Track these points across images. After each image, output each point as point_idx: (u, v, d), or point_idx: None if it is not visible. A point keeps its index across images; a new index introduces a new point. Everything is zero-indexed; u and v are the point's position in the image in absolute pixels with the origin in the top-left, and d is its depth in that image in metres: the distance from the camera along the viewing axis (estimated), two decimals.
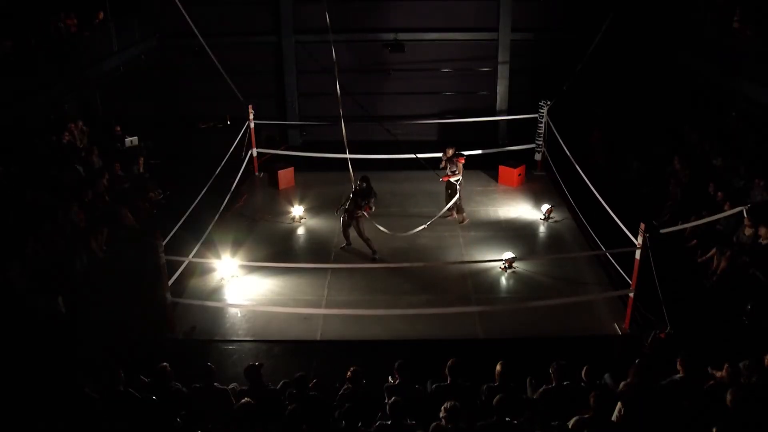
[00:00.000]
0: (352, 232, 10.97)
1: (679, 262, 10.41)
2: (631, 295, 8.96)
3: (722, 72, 12.94)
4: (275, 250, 11.33)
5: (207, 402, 6.18)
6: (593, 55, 12.84)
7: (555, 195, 13.33)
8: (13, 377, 7.16)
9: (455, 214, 12.31)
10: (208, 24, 13.82)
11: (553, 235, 12.04)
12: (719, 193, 10.95)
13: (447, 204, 12.14)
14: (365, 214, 10.74)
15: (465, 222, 12.28)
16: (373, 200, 10.86)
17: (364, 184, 10.83)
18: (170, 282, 9.07)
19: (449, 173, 11.94)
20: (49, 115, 13.24)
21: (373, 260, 10.79)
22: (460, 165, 11.92)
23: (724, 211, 9.96)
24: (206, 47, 12.19)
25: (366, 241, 10.85)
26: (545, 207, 12.46)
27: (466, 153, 13.69)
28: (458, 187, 11.92)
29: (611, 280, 10.16)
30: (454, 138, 15.37)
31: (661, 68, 15.46)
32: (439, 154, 12.25)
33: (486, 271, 10.66)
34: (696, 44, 13.95)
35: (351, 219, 10.80)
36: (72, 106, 13.95)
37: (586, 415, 5.42)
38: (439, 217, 11.87)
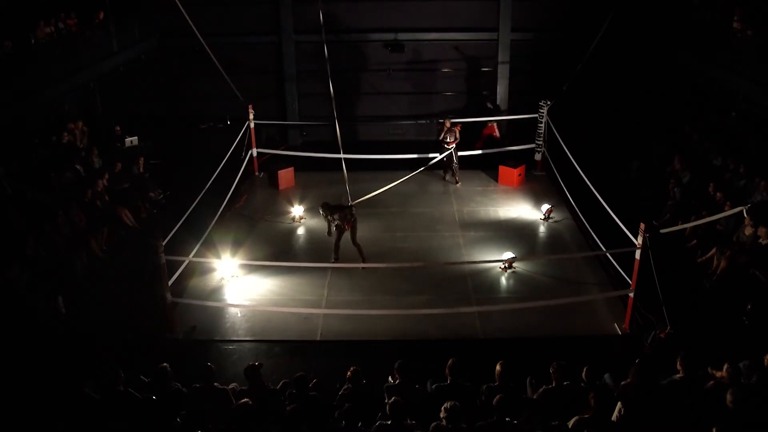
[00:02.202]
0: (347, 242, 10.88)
1: (679, 262, 10.41)
2: (631, 295, 8.96)
3: (722, 72, 12.93)
4: (275, 250, 11.33)
5: (207, 402, 6.18)
6: (593, 55, 12.83)
7: (555, 195, 13.33)
8: (13, 377, 7.15)
9: (457, 178, 14.13)
10: (208, 24, 13.82)
11: (553, 235, 12.04)
12: (719, 193, 10.95)
13: (446, 171, 14.18)
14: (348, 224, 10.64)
15: (459, 184, 14.12)
16: (347, 211, 10.67)
17: (328, 211, 10.69)
18: (170, 282, 9.08)
19: (450, 141, 13.79)
20: (49, 115, 13.24)
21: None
22: (458, 132, 13.86)
23: (724, 211, 9.96)
24: (206, 47, 12.20)
25: (357, 246, 10.72)
26: (545, 207, 12.46)
27: (466, 153, 14.42)
28: (454, 152, 13.90)
29: (611, 280, 10.17)
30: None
31: (661, 68, 15.45)
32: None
33: (486, 271, 10.66)
34: (696, 44, 13.95)
35: (342, 233, 10.71)
36: (72, 106, 13.93)
37: (586, 415, 5.42)
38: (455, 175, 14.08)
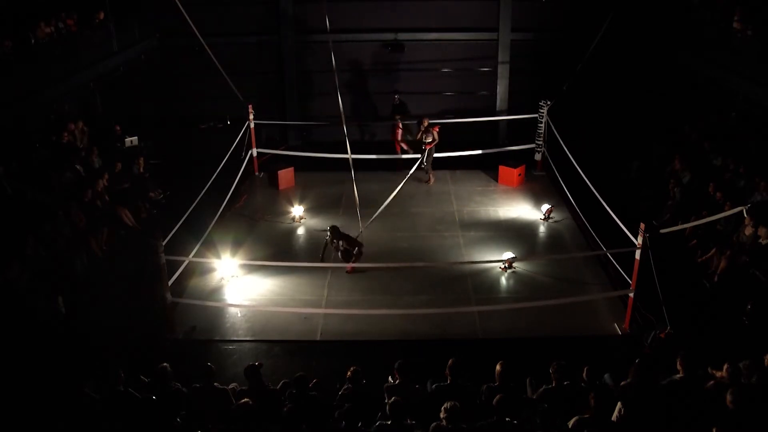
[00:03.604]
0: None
1: (679, 262, 10.41)
2: (631, 295, 8.96)
3: (722, 72, 12.93)
4: (275, 250, 11.33)
5: (207, 402, 6.19)
6: (593, 55, 12.84)
7: (555, 195, 13.33)
8: (13, 377, 7.16)
9: (431, 177, 14.14)
10: (208, 24, 13.81)
11: (553, 235, 12.04)
12: (719, 193, 10.95)
13: (424, 167, 13.95)
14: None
15: (432, 182, 14.12)
16: (358, 247, 10.55)
17: (336, 236, 10.57)
18: (170, 282, 9.08)
19: (427, 142, 13.73)
20: (49, 115, 13.24)
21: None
22: (436, 133, 13.78)
23: (724, 211, 9.96)
24: (206, 47, 12.20)
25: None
26: (545, 207, 12.47)
27: (465, 153, 14.48)
28: (432, 150, 13.86)
29: (611, 280, 10.17)
30: (454, 138, 15.43)
31: (661, 68, 15.46)
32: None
33: (486, 271, 10.65)
34: (696, 44, 13.95)
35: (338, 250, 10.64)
36: (72, 106, 13.93)
37: (586, 415, 5.42)
38: (428, 173, 13.98)
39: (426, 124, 13.79)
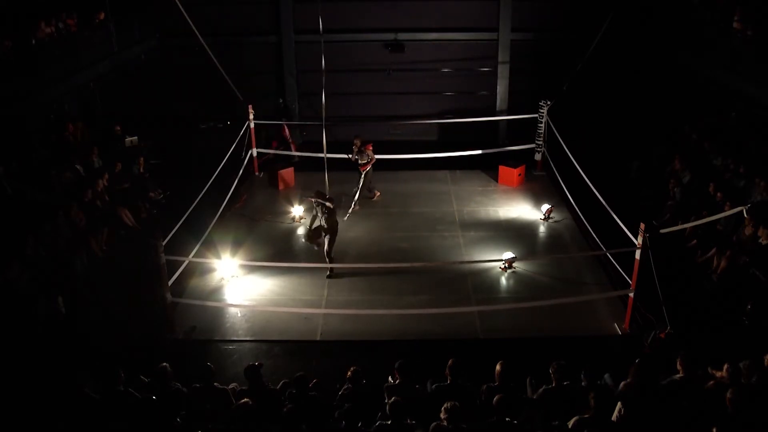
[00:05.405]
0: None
1: (679, 262, 10.41)
2: (631, 295, 8.96)
3: (722, 72, 12.93)
4: (275, 250, 11.33)
5: (207, 402, 6.19)
6: (593, 55, 12.83)
7: (555, 195, 13.33)
8: (13, 377, 7.16)
9: (356, 205, 12.81)
10: (208, 24, 13.82)
11: (553, 235, 12.04)
12: (719, 193, 10.95)
13: (363, 190, 12.89)
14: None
15: (377, 197, 13.26)
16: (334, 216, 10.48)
17: (320, 198, 10.41)
18: (170, 282, 9.08)
19: (363, 162, 12.71)
20: (49, 115, 13.24)
21: (329, 276, 10.47)
22: (370, 152, 12.74)
23: (724, 211, 9.96)
24: (206, 47, 12.19)
25: (328, 255, 10.46)
26: (545, 207, 12.47)
27: (466, 153, 14.37)
28: (370, 172, 12.85)
29: (611, 280, 10.16)
30: (454, 138, 15.43)
31: (661, 68, 15.46)
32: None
33: (486, 271, 10.65)
34: (696, 44, 13.95)
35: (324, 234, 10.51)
36: (72, 106, 13.94)
37: (586, 415, 5.43)
38: (355, 204, 12.72)
39: (358, 144, 12.65)
